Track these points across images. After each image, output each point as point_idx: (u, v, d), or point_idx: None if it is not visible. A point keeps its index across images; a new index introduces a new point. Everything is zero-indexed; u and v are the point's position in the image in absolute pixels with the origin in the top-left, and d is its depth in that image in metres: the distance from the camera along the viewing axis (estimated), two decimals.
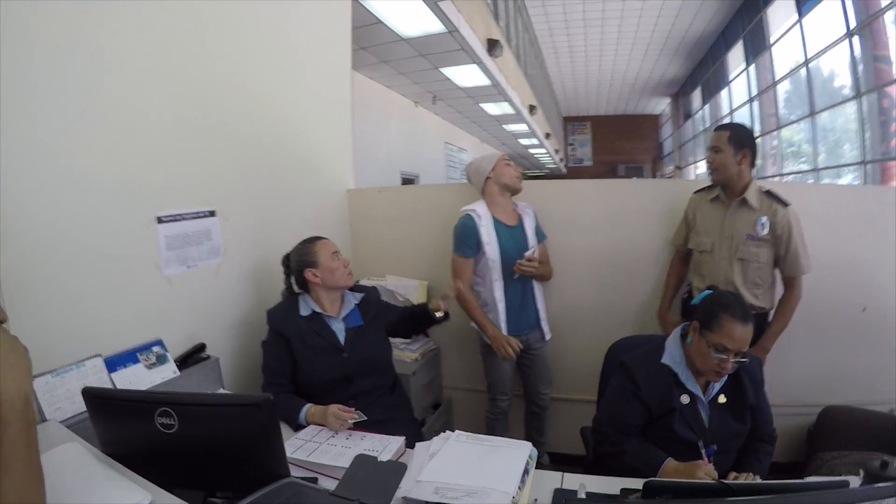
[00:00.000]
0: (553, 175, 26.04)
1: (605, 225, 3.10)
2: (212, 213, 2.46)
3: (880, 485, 1.17)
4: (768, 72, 12.15)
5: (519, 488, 1.44)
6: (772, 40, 11.71)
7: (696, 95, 19.05)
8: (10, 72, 1.67)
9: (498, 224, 2.79)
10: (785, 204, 2.53)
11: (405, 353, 3.11)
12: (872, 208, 3.01)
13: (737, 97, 14.84)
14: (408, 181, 10.57)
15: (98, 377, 1.89)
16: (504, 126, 14.77)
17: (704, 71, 17.56)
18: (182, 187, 2.33)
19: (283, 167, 2.97)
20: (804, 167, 11.09)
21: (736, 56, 14.28)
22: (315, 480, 1.53)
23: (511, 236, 2.79)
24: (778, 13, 11.21)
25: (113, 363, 1.96)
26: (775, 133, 12.36)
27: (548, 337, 2.95)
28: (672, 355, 1.94)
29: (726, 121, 15.13)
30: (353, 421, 1.92)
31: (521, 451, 1.62)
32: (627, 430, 1.92)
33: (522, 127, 14.94)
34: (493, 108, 12.29)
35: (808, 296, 2.66)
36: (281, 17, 2.94)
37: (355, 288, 2.45)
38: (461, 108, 12.09)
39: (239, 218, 2.62)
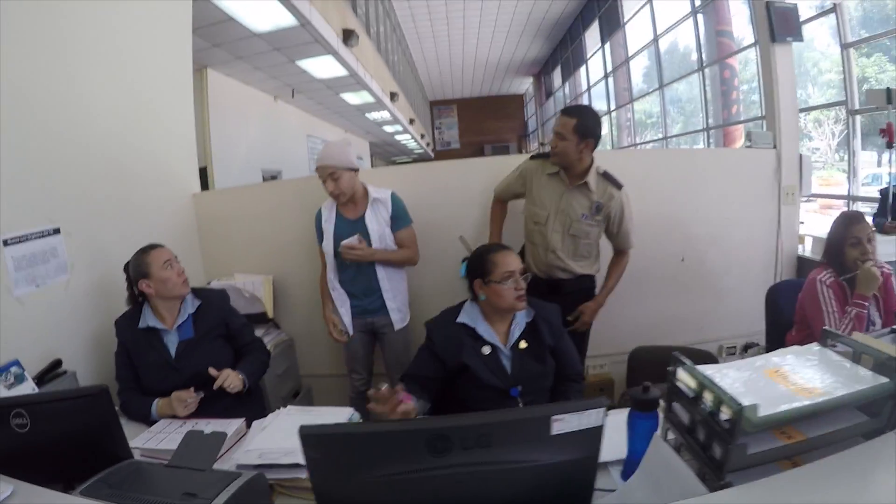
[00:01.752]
0: (421, 159, 26.33)
1: (434, 205, 3.43)
2: (56, 231, 2.56)
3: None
4: (622, 49, 13.13)
5: None
6: (625, 20, 12.63)
7: (557, 74, 20.04)
8: None
9: (339, 217, 2.98)
10: (619, 186, 2.75)
11: None
12: (687, 167, 3.54)
13: (594, 74, 15.92)
14: (270, 178, 10.44)
15: None
16: (367, 115, 14.80)
17: (564, 51, 18.49)
18: (25, 206, 2.42)
19: (125, 178, 3.07)
20: (659, 136, 12.22)
21: (593, 36, 15.16)
22: None
23: (350, 228, 2.93)
24: None
25: None
26: (629, 106, 13.48)
27: (399, 325, 3.07)
28: (469, 314, 2.18)
29: (585, 98, 16.10)
30: (192, 399, 2.17)
31: (341, 415, 1.89)
32: (425, 383, 2.09)
33: (385, 115, 15.02)
34: (353, 98, 12.30)
35: (633, 251, 2.98)
36: (115, 24, 3.03)
37: (199, 293, 2.52)
38: (321, 99, 12.07)
39: (83, 232, 2.72)
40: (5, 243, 2.32)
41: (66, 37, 2.72)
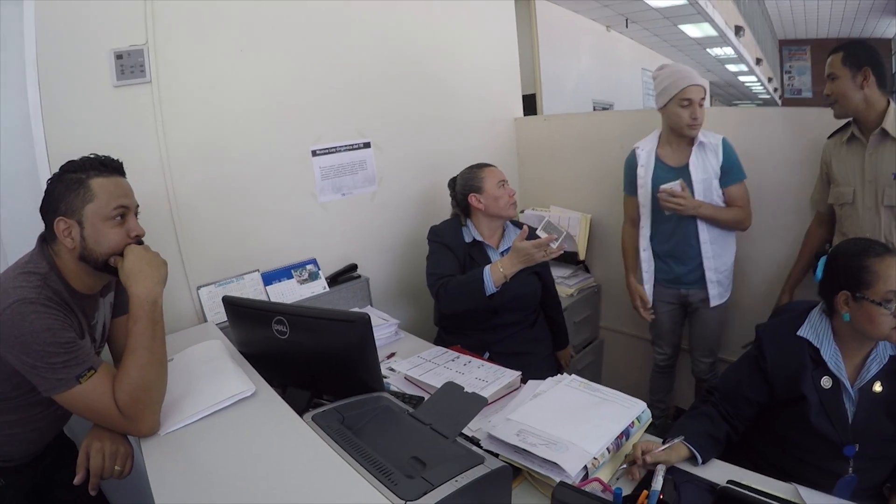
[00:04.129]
0: (766, 106, 23.85)
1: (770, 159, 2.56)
2: (367, 145, 2.64)
3: None
4: None
5: (608, 450, 1.37)
6: None
7: None
8: (177, 16, 2.02)
9: (659, 164, 2.50)
10: None
11: (561, 287, 3.03)
12: None
13: None
14: (602, 110, 10.17)
15: (255, 289, 2.19)
16: (707, 50, 13.79)
17: None
18: (337, 121, 2.54)
19: (446, 98, 3.05)
20: None
21: None
22: (422, 399, 1.63)
23: (671, 176, 2.41)
24: None
25: (269, 277, 2.26)
26: None
27: (717, 302, 2.51)
28: (815, 327, 1.62)
29: None
30: (557, 244, 2.01)
31: (629, 409, 1.50)
32: (739, 404, 1.65)
33: (728, 51, 13.76)
34: (693, 30, 11.55)
35: None
36: None
37: (517, 224, 2.43)
38: (658, 30, 11.44)
39: (396, 148, 2.77)
40: (314, 154, 2.44)
41: None
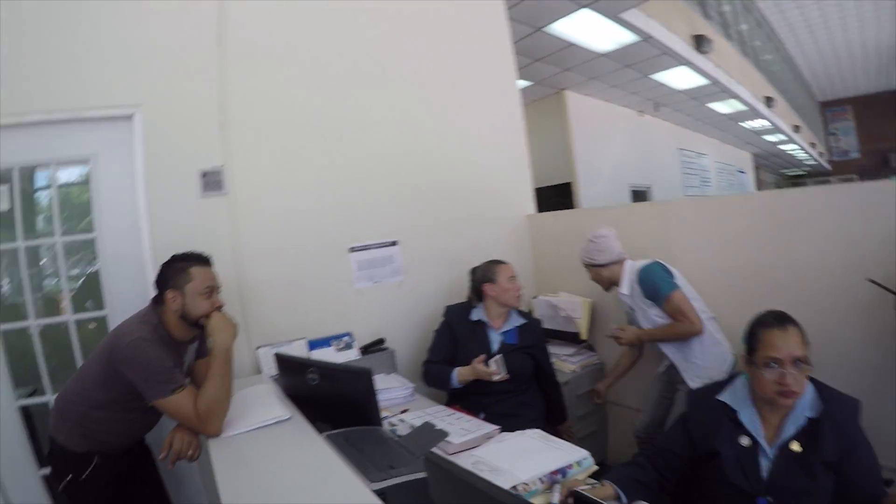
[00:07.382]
0: (816, 172, 22.64)
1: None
2: (394, 243, 3.30)
3: None
4: None
5: (541, 481, 1.67)
6: None
7: None
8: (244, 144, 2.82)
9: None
10: None
11: (565, 363, 3.41)
12: None
13: None
14: (639, 194, 10.33)
15: (301, 352, 2.81)
16: (741, 124, 13.67)
17: None
18: (370, 223, 3.24)
19: (461, 201, 3.67)
20: None
21: None
22: None
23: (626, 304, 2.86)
24: None
25: (313, 344, 2.89)
26: None
27: (695, 384, 2.54)
28: (735, 393, 1.83)
29: None
30: (496, 377, 2.57)
31: (570, 455, 1.79)
32: (667, 457, 1.87)
33: (763, 122, 13.55)
34: (722, 107, 11.61)
35: None
36: (450, 65, 3.74)
37: (524, 315, 2.93)
38: (688, 111, 11.60)
39: (419, 245, 3.42)
40: (351, 250, 3.14)
41: (412, 83, 3.51)
